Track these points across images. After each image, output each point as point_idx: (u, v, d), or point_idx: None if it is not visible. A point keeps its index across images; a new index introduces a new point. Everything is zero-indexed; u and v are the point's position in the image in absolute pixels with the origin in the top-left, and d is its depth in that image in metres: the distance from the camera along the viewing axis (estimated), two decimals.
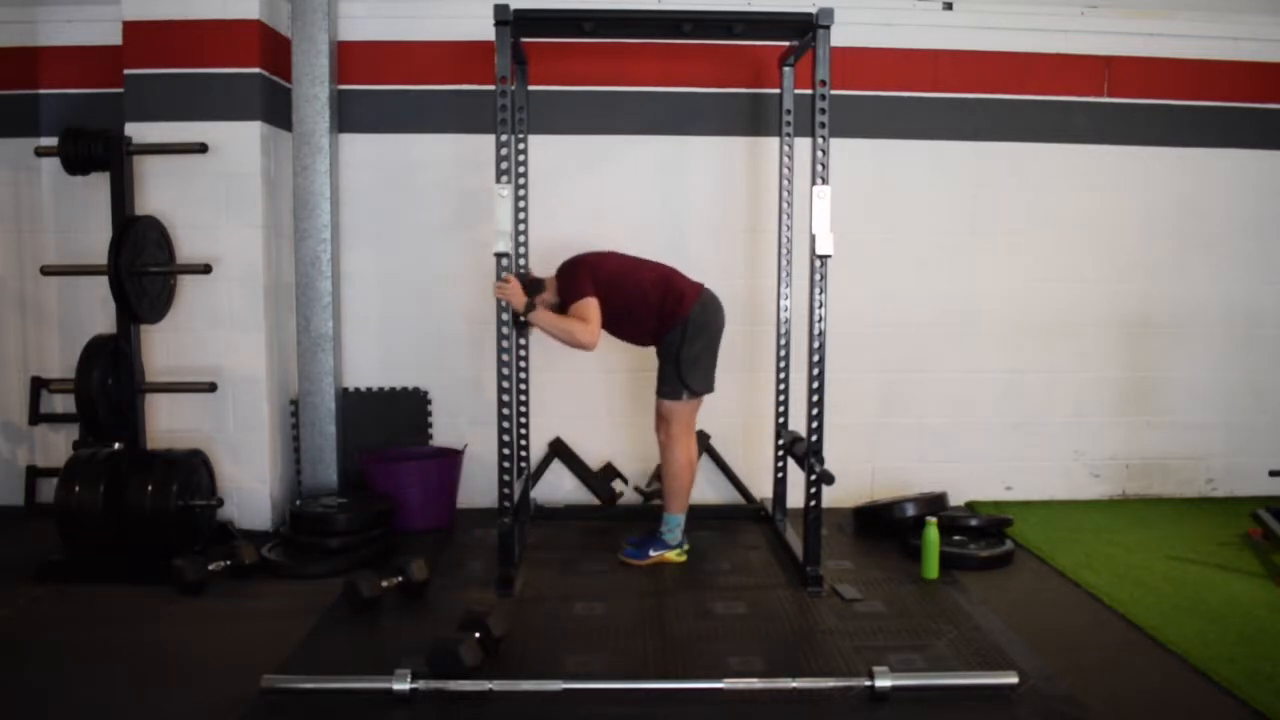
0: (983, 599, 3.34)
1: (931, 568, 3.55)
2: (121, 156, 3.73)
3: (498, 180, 3.36)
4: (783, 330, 4.16)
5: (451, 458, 4.29)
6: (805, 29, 3.59)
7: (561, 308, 3.57)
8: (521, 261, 4.15)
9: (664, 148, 4.43)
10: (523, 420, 4.30)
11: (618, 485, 4.47)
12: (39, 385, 4.25)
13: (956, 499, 4.43)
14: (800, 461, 3.62)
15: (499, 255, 3.39)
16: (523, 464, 4.26)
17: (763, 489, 4.43)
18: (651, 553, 3.69)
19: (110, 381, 3.67)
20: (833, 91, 3.39)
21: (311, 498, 4.10)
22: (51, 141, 3.82)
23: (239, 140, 3.99)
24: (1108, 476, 4.67)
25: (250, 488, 4.11)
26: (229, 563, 3.48)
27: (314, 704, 2.55)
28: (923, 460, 4.57)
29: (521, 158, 4.14)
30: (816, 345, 3.42)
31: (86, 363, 3.60)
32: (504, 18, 3.35)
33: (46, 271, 3.95)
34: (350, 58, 4.30)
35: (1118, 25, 4.47)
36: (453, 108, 4.34)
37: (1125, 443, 4.66)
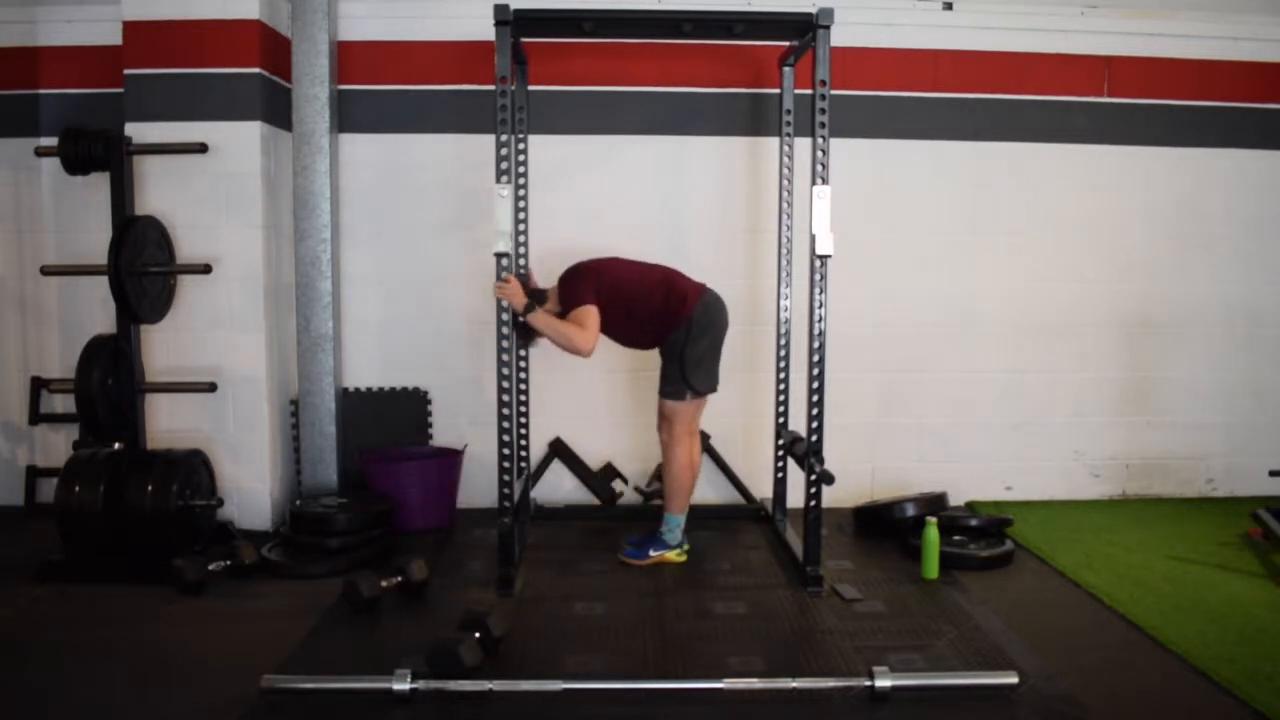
0: (983, 599, 3.34)
1: (931, 568, 3.55)
2: (121, 156, 3.73)
3: (498, 180, 3.36)
4: (783, 330, 4.16)
5: (451, 458, 4.29)
6: (805, 29, 3.59)
7: (563, 315, 3.57)
8: (521, 261, 4.15)
9: (664, 148, 4.43)
10: (523, 420, 4.30)
11: (618, 485, 4.47)
12: (39, 385, 4.25)
13: (956, 499, 4.43)
14: (800, 461, 3.62)
15: (499, 255, 3.39)
16: (523, 464, 4.26)
17: (763, 489, 4.43)
18: (651, 553, 3.69)
19: (110, 381, 3.67)
20: (833, 91, 3.39)
21: (311, 498, 4.10)
22: (51, 141, 3.82)
23: (239, 140, 3.99)
24: (1108, 476, 4.67)
25: (250, 488, 4.11)
26: (229, 563, 3.48)
27: (314, 704, 2.55)
28: (923, 460, 4.57)
29: (521, 158, 4.14)
30: (816, 345, 3.42)
31: (86, 363, 3.60)
32: (504, 18, 3.35)
33: (46, 271, 3.95)
34: (350, 58, 4.30)
35: (1118, 25, 4.47)
36: (453, 108, 4.34)
37: (1125, 443, 4.66)
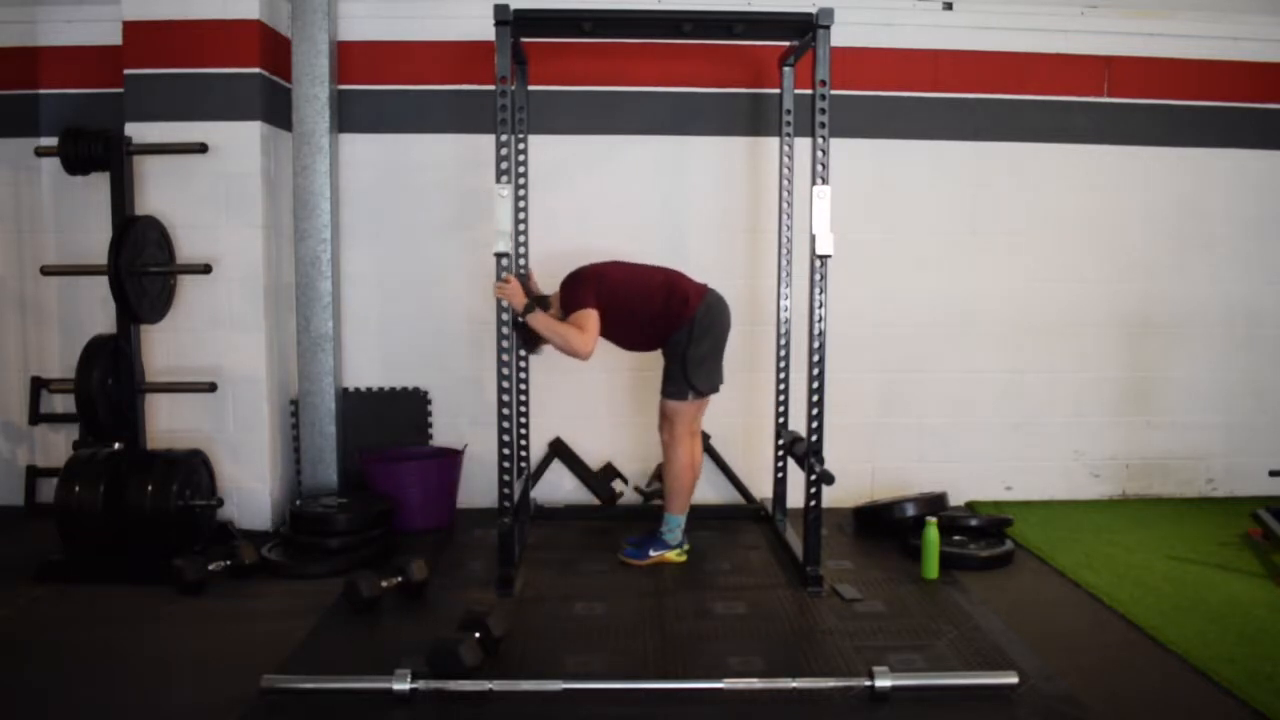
0: (983, 599, 3.34)
1: (931, 568, 3.55)
2: (121, 156, 3.73)
3: (498, 180, 3.36)
4: (783, 330, 4.16)
5: (451, 458, 4.29)
6: (805, 29, 3.59)
7: (564, 320, 3.57)
8: (521, 262, 4.15)
9: (664, 148, 4.43)
10: (523, 420, 4.30)
11: (618, 485, 4.47)
12: (39, 385, 4.25)
13: (956, 499, 4.43)
14: (800, 461, 3.62)
15: (499, 255, 3.39)
16: (523, 464, 4.26)
17: (763, 489, 4.43)
18: (651, 553, 3.69)
19: (110, 381, 3.67)
20: (833, 91, 3.39)
21: (311, 498, 4.10)
22: (51, 141, 3.82)
23: (239, 140, 3.99)
24: (1108, 476, 4.67)
25: (250, 488, 4.11)
26: (229, 563, 3.48)
27: (314, 704, 2.55)
28: (923, 460, 4.57)
29: (521, 158, 4.14)
30: (816, 345, 3.42)
31: (86, 363, 3.60)
32: (504, 18, 3.35)
33: (46, 271, 3.95)
34: (350, 58, 4.30)
35: (1118, 25, 4.47)
36: (453, 108, 4.34)
37: (1125, 443, 4.66)
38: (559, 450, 4.49)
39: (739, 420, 4.46)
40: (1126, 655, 2.92)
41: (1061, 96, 4.50)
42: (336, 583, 3.34)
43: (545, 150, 4.31)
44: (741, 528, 4.22)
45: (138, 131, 3.88)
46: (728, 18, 3.77)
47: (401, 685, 2.50)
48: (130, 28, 3.96)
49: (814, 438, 3.47)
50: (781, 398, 4.18)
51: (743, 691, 2.58)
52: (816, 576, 3.43)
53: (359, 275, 4.39)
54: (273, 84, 4.12)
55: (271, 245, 4.13)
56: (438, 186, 4.39)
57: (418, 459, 4.29)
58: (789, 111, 4.12)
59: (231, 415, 4.08)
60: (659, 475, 4.26)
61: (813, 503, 3.45)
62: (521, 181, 4.16)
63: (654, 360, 3.75)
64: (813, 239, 3.37)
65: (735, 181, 4.45)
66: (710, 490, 4.47)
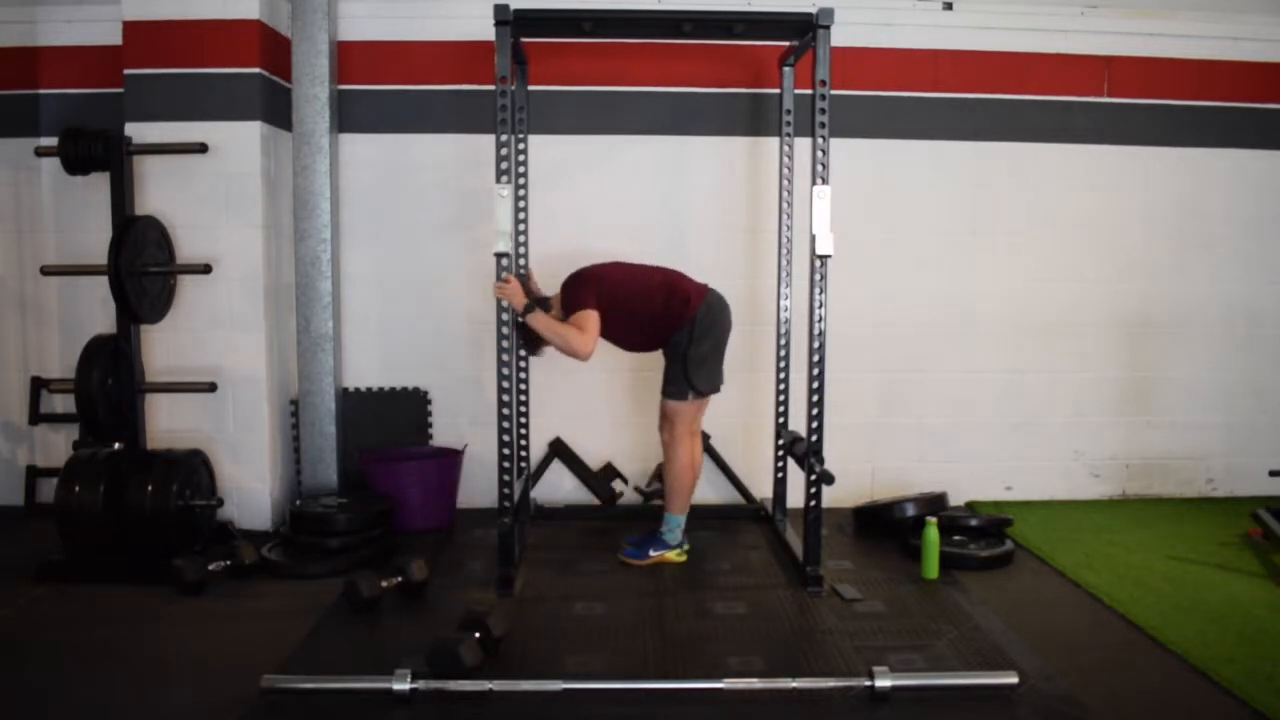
0: (983, 599, 3.34)
1: (931, 568, 3.55)
2: (121, 156, 3.73)
3: (498, 180, 3.36)
4: (783, 330, 4.16)
5: (451, 458, 4.29)
6: (805, 29, 3.59)
7: (565, 320, 3.57)
8: (521, 261, 4.15)
9: (664, 148, 4.43)
10: (523, 420, 4.30)
11: (618, 485, 4.47)
12: (39, 385, 4.25)
13: (956, 499, 4.43)
14: (800, 461, 3.62)
15: (499, 255, 3.39)
16: (523, 464, 4.26)
17: (763, 489, 4.43)
18: (651, 553, 3.69)
19: (110, 381, 3.67)
20: (833, 91, 3.39)
21: (311, 498, 4.10)
22: (51, 141, 3.82)
23: (239, 140, 3.99)
24: (1108, 476, 4.67)
25: (250, 488, 4.11)
26: (229, 563, 3.48)
27: (314, 704, 2.55)
28: (923, 460, 4.57)
29: (521, 158, 4.14)
30: (816, 345, 3.43)
31: (86, 363, 3.60)
32: (504, 18, 3.35)
33: (46, 271, 3.95)
34: (350, 58, 4.30)
35: (1118, 25, 4.47)
36: (453, 108, 4.34)
37: (1125, 443, 4.66)
38: (559, 450, 4.49)
39: (739, 420, 4.46)
40: (1126, 655, 2.92)
41: (1061, 96, 4.50)
42: (336, 583, 3.34)
43: (545, 150, 4.31)
44: (741, 528, 4.22)
45: (138, 131, 3.88)
46: (728, 18, 3.77)
47: (401, 685, 2.50)
48: (130, 28, 3.96)
49: (814, 438, 3.47)
50: (781, 398, 4.18)
51: (743, 691, 2.58)
52: (816, 576, 3.43)
53: (359, 275, 4.39)
54: (273, 84, 4.12)
55: (271, 245, 4.13)
56: (438, 186, 4.39)
57: (418, 459, 4.29)
58: (789, 111, 4.12)
59: (231, 415, 4.08)
60: (659, 475, 4.26)
61: (813, 503, 3.45)
62: (521, 181, 4.16)
63: (654, 360, 3.75)
64: (813, 239, 3.37)
65: (735, 182, 4.45)
66: (710, 490, 4.47)
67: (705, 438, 4.26)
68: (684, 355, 3.57)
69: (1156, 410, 4.67)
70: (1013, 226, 4.53)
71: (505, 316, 3.43)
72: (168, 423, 4.04)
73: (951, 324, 4.55)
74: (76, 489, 3.48)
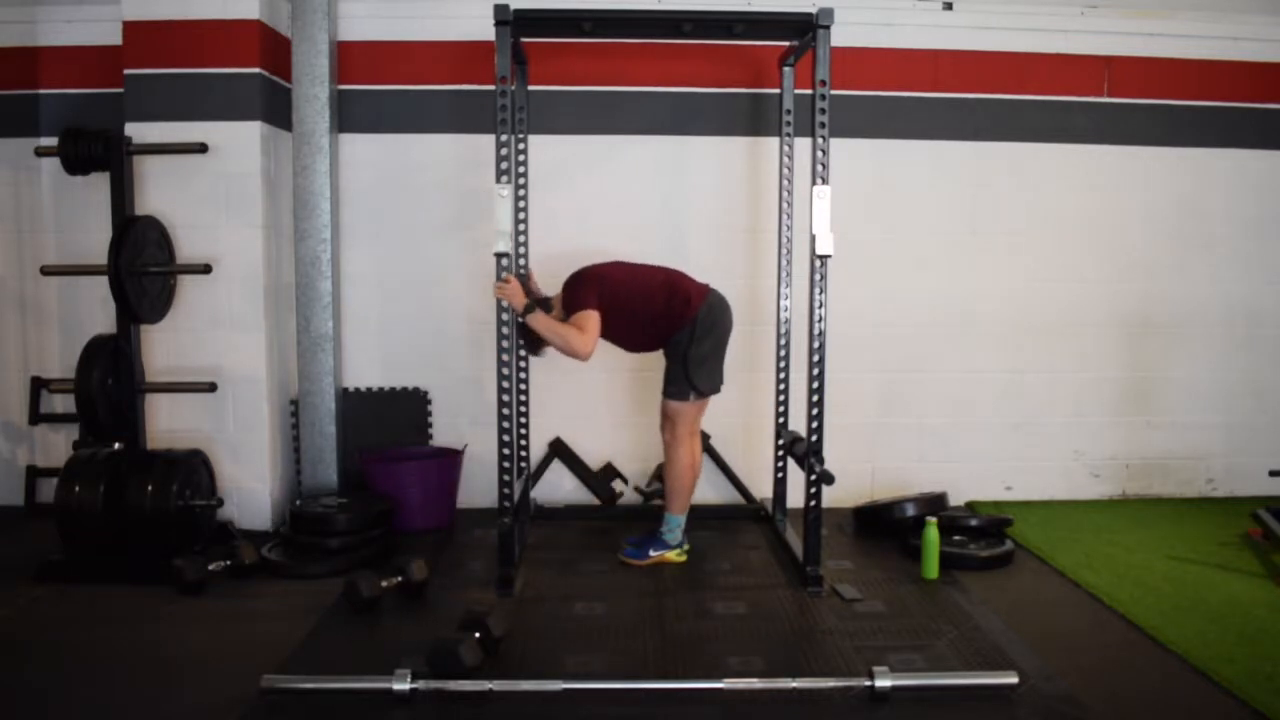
0: (983, 599, 3.34)
1: (931, 568, 3.55)
2: (121, 156, 3.73)
3: (498, 180, 3.36)
4: (783, 330, 4.16)
5: (451, 458, 4.29)
6: (805, 29, 3.59)
7: (566, 320, 3.57)
8: (521, 261, 4.15)
9: (664, 148, 4.43)
10: (523, 420, 4.30)
11: (618, 485, 4.47)
12: (39, 385, 4.25)
13: (956, 499, 4.43)
14: (800, 461, 3.62)
15: (499, 255, 3.39)
16: (523, 464, 4.26)
17: (763, 489, 4.43)
18: (651, 553, 3.69)
19: (110, 381, 3.67)
20: (833, 91, 3.39)
21: (311, 498, 4.10)
22: (51, 141, 3.82)
23: (239, 140, 3.99)
24: (1108, 476, 4.67)
25: (250, 488, 4.11)
26: (229, 563, 3.48)
27: (314, 704, 2.55)
28: (923, 460, 4.57)
29: (521, 158, 4.14)
30: (816, 345, 3.42)
31: (86, 363, 3.60)
32: (504, 18, 3.35)
33: (46, 271, 3.95)
34: (350, 58, 4.30)
35: (1118, 25, 4.47)
36: (453, 108, 4.34)
37: (1125, 443, 4.66)
38: (559, 450, 4.49)
39: (739, 420, 4.46)
40: (1126, 655, 2.92)
41: (1061, 96, 4.50)
42: (336, 583, 3.34)
43: (545, 150, 4.31)
44: (741, 528, 4.22)
45: (138, 131, 3.88)
46: (728, 18, 3.77)
47: (401, 685, 2.50)
48: (130, 28, 3.96)
49: (814, 438, 3.47)
50: (781, 398, 4.18)
51: (743, 691, 2.58)
52: (816, 576, 3.43)
53: (359, 275, 4.39)
54: (273, 84, 4.12)
55: (271, 245, 4.13)
56: (438, 186, 4.39)
57: (418, 459, 4.29)
58: (789, 111, 4.12)
59: (231, 415, 4.08)
60: (659, 475, 4.26)
61: (813, 503, 3.45)
62: (521, 181, 4.16)
63: (654, 360, 3.75)
64: (813, 239, 3.37)
65: (735, 181, 4.45)
66: (710, 490, 4.47)
67: (705, 438, 4.26)
68: (685, 355, 3.57)
69: (1156, 410, 4.67)
70: (1013, 226, 4.53)
71: (505, 316, 3.43)
72: (168, 423, 4.04)
73: (951, 324, 4.55)
74: (76, 489, 3.48)
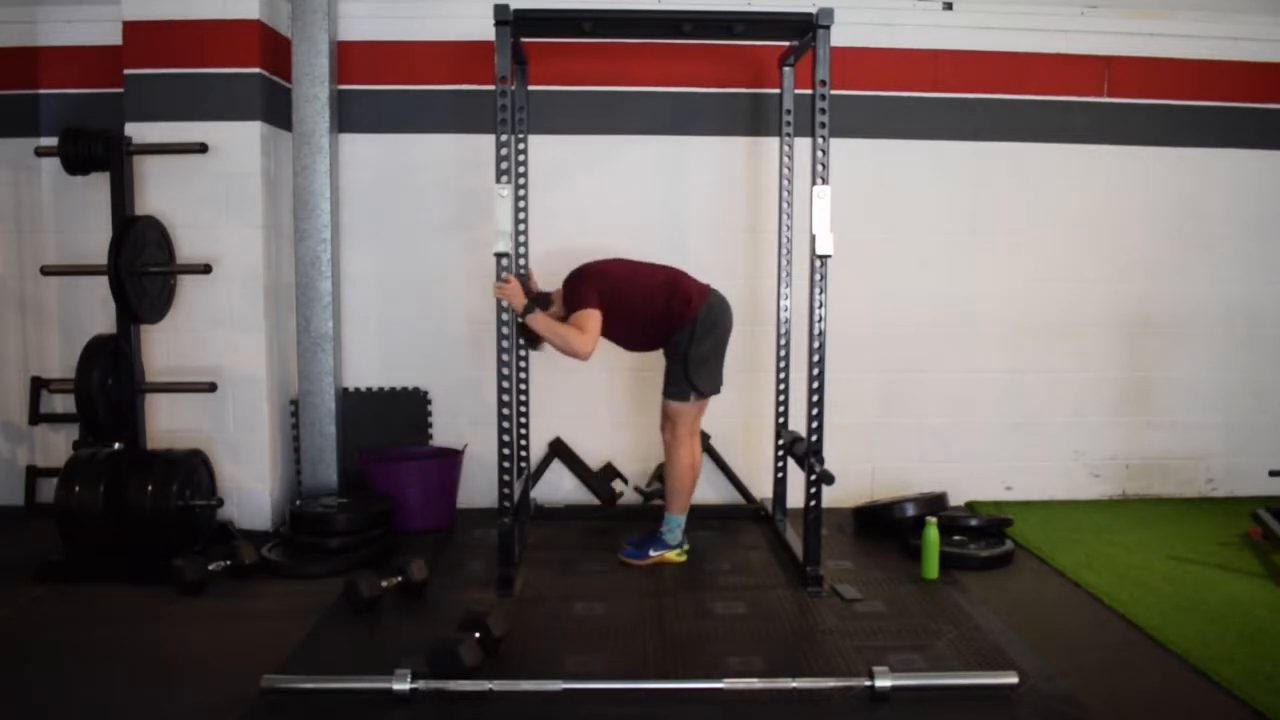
0: (983, 599, 3.34)
1: (931, 568, 3.55)
2: (121, 156, 3.73)
3: (498, 180, 3.36)
4: (783, 330, 4.16)
5: (451, 458, 4.29)
6: (805, 29, 3.59)
7: (567, 317, 3.57)
8: (521, 262, 4.15)
9: (664, 148, 4.43)
10: (523, 420, 4.30)
11: (618, 485, 4.47)
12: (39, 385, 4.25)
13: (956, 499, 4.43)
14: (800, 461, 3.62)
15: (499, 255, 3.39)
16: (523, 464, 4.26)
17: (763, 489, 4.43)
18: (651, 553, 3.69)
19: (110, 381, 3.67)
20: (833, 91, 3.39)
21: (311, 498, 4.10)
22: (51, 141, 3.81)
23: (239, 140, 3.99)
24: (1108, 476, 4.67)
25: (250, 488, 4.11)
26: (229, 563, 3.48)
27: (314, 704, 2.55)
28: (923, 460, 4.57)
29: (521, 158, 4.14)
30: (816, 345, 3.42)
31: (86, 363, 3.60)
32: (504, 18, 3.35)
33: (46, 271, 3.95)
34: (350, 58, 4.30)
35: (1118, 25, 4.47)
36: (453, 108, 4.34)
37: (1125, 443, 4.66)
38: (559, 450, 4.49)
39: (739, 420, 4.46)
40: (1126, 655, 2.92)
41: (1061, 96, 4.50)
42: (336, 583, 3.34)
43: (545, 150, 4.31)
44: (741, 528, 4.22)
45: (138, 131, 3.88)
46: (728, 18, 3.77)
47: (401, 685, 2.50)
48: (130, 28, 3.96)
49: (814, 438, 3.47)
50: (781, 398, 4.18)
51: (743, 691, 2.58)
52: (816, 576, 3.43)
53: (359, 275, 4.39)
54: (273, 84, 4.12)
55: (271, 245, 4.13)
56: (438, 186, 4.39)
57: (418, 459, 4.29)
58: (789, 111, 4.12)
59: (231, 415, 4.08)
60: (659, 475, 4.26)
61: (813, 503, 3.45)
62: (521, 181, 4.16)
63: (654, 360, 3.75)
64: (813, 239, 3.37)
65: (735, 181, 4.45)
66: (710, 490, 4.47)
67: (705, 438, 4.26)
68: (685, 355, 3.57)
69: (1156, 410, 4.67)
70: (1013, 226, 4.53)
71: (505, 316, 3.43)
72: (168, 423, 4.04)
73: (951, 324, 4.55)
74: (76, 489, 3.48)
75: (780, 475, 4.23)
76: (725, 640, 2.99)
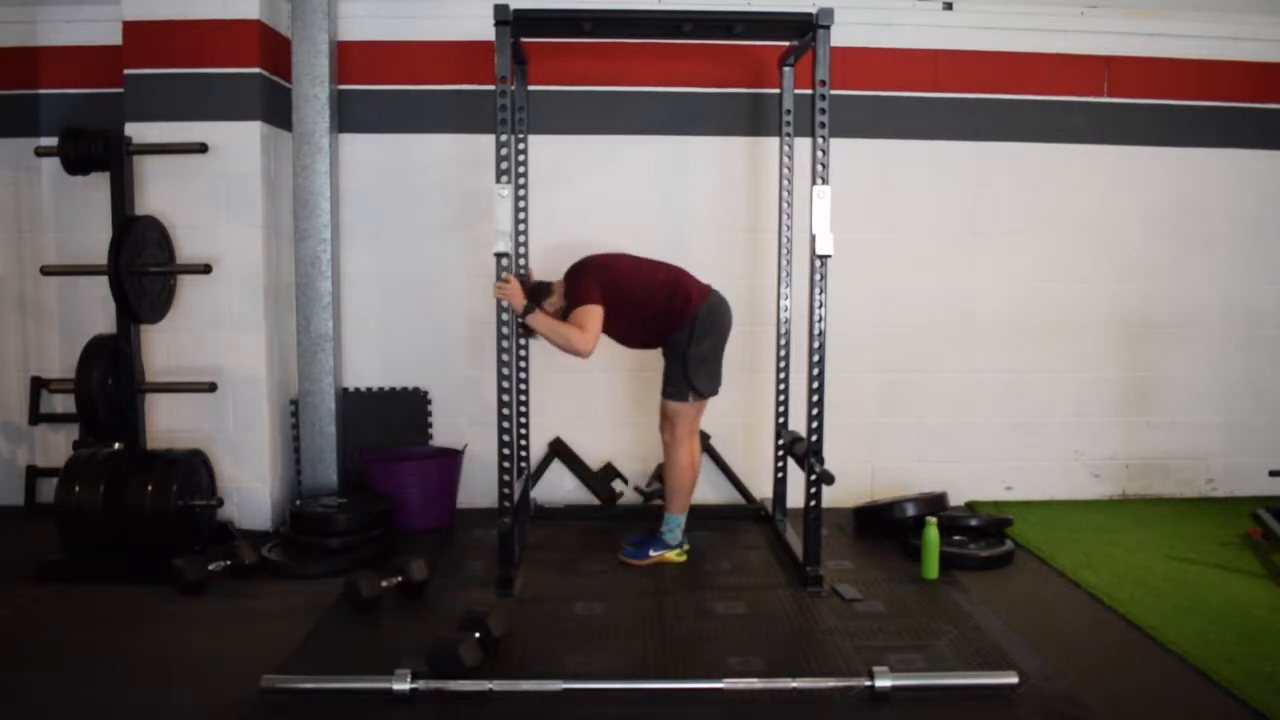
0: (983, 599, 3.34)
1: (931, 568, 3.55)
2: (121, 156, 3.73)
3: (498, 180, 3.36)
4: (783, 330, 4.16)
5: (451, 458, 4.29)
6: (805, 29, 3.59)
7: (567, 310, 3.57)
8: (521, 261, 4.15)
9: (664, 148, 4.43)
10: (523, 420, 4.30)
11: (618, 485, 4.47)
12: (39, 385, 4.25)
13: (956, 499, 4.43)
14: (800, 461, 3.62)
15: (499, 255, 3.39)
16: (523, 464, 4.26)
17: (763, 489, 4.43)
18: (651, 553, 3.69)
19: (110, 381, 3.66)
20: (833, 91, 3.39)
21: (311, 498, 4.10)
22: (51, 141, 3.81)
23: (239, 140, 3.99)
24: (1108, 476, 4.67)
25: (250, 488, 4.11)
26: (229, 563, 3.48)
27: (314, 704, 2.55)
28: (923, 460, 4.57)
29: (521, 158, 4.14)
30: (816, 345, 3.42)
31: (86, 363, 3.59)
32: (504, 18, 3.35)
33: (46, 271, 3.95)
34: (350, 58, 4.30)
35: (1118, 25, 4.47)
36: (453, 108, 4.34)
37: (1125, 443, 4.66)
38: (559, 450, 4.49)
39: (739, 420, 4.46)
40: (1126, 655, 2.92)
41: (1061, 96, 4.50)
42: (336, 583, 3.34)
43: (545, 150, 4.31)
44: (741, 528, 4.22)
45: (138, 131, 3.88)
46: (728, 18, 3.77)
47: (401, 685, 2.50)
48: (130, 28, 3.96)
49: (814, 438, 3.47)
50: (781, 398, 4.18)
51: (743, 691, 2.58)
52: (816, 576, 3.43)
53: (359, 275, 4.39)
54: (273, 84, 4.12)
55: (271, 245, 4.13)
56: (438, 186, 4.39)
57: (418, 459, 4.29)
58: (789, 111, 4.12)
59: (231, 415, 4.08)
60: (659, 475, 4.26)
61: (813, 503, 3.45)
62: (521, 181, 4.16)
63: (654, 360, 3.75)
64: (813, 239, 3.37)
65: (735, 181, 4.45)
66: (710, 490, 4.47)
67: (705, 438, 4.26)
68: (684, 355, 3.57)
69: (1156, 410, 4.67)
70: (1013, 226, 4.53)
71: (505, 316, 3.43)
72: (168, 423, 4.04)
73: (951, 324, 4.55)
74: (76, 489, 3.48)
75: (780, 475, 4.23)
76: (725, 640, 2.99)
